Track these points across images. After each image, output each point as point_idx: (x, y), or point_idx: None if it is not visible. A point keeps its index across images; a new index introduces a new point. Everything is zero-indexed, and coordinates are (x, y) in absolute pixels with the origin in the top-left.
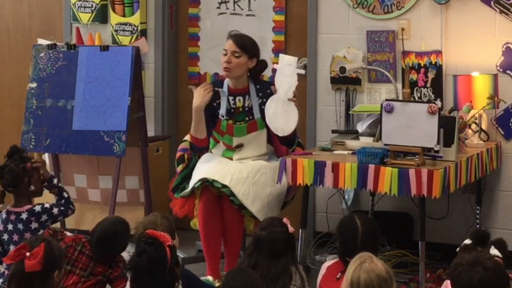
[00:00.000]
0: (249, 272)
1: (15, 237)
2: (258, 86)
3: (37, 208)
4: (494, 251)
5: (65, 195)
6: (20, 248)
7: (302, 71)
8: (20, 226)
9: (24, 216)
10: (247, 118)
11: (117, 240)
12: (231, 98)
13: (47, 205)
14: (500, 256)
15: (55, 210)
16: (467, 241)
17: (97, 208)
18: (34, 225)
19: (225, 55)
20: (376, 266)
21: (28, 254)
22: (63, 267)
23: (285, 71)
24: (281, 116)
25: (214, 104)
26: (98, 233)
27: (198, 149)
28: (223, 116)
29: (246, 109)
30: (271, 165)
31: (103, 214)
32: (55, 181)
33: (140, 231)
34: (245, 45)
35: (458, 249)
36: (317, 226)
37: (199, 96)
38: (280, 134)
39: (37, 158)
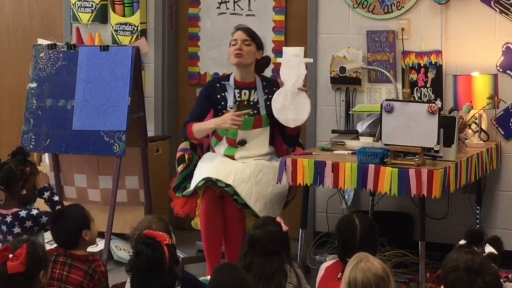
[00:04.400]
0: (236, 267)
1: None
2: (264, 83)
3: (22, 213)
4: (489, 248)
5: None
6: (2, 250)
7: (310, 60)
8: (3, 227)
9: (8, 219)
10: (251, 112)
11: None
12: (237, 91)
13: (34, 212)
14: (496, 253)
15: (44, 219)
16: (462, 241)
17: (97, 208)
18: (16, 229)
19: (234, 45)
20: (372, 265)
21: (11, 255)
22: (49, 267)
23: (291, 63)
24: (290, 107)
25: (218, 96)
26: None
27: (187, 138)
28: (231, 108)
29: (251, 103)
30: (273, 164)
31: (103, 214)
32: (46, 194)
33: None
34: (254, 35)
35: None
36: (317, 226)
37: (226, 120)
38: (292, 125)
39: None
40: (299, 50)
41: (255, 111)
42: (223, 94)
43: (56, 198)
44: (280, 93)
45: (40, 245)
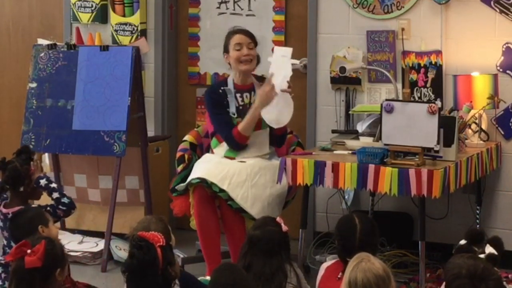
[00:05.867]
0: (237, 268)
1: (5, 234)
2: (260, 83)
3: None
4: (489, 249)
5: (54, 196)
6: (21, 246)
7: (296, 61)
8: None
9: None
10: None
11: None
12: (238, 95)
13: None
14: (496, 254)
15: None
16: (462, 242)
17: (97, 208)
18: None
19: (239, 50)
20: (373, 266)
21: (29, 251)
22: (66, 266)
23: (279, 63)
24: (275, 108)
25: (224, 102)
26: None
27: (241, 147)
28: (234, 114)
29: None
30: (272, 164)
31: (103, 214)
32: (42, 182)
33: None
34: (253, 37)
35: (454, 250)
36: (317, 226)
37: (266, 96)
38: (275, 126)
39: (36, 159)
40: (286, 51)
41: None
42: (226, 99)
43: (53, 185)
44: None
45: (59, 244)
